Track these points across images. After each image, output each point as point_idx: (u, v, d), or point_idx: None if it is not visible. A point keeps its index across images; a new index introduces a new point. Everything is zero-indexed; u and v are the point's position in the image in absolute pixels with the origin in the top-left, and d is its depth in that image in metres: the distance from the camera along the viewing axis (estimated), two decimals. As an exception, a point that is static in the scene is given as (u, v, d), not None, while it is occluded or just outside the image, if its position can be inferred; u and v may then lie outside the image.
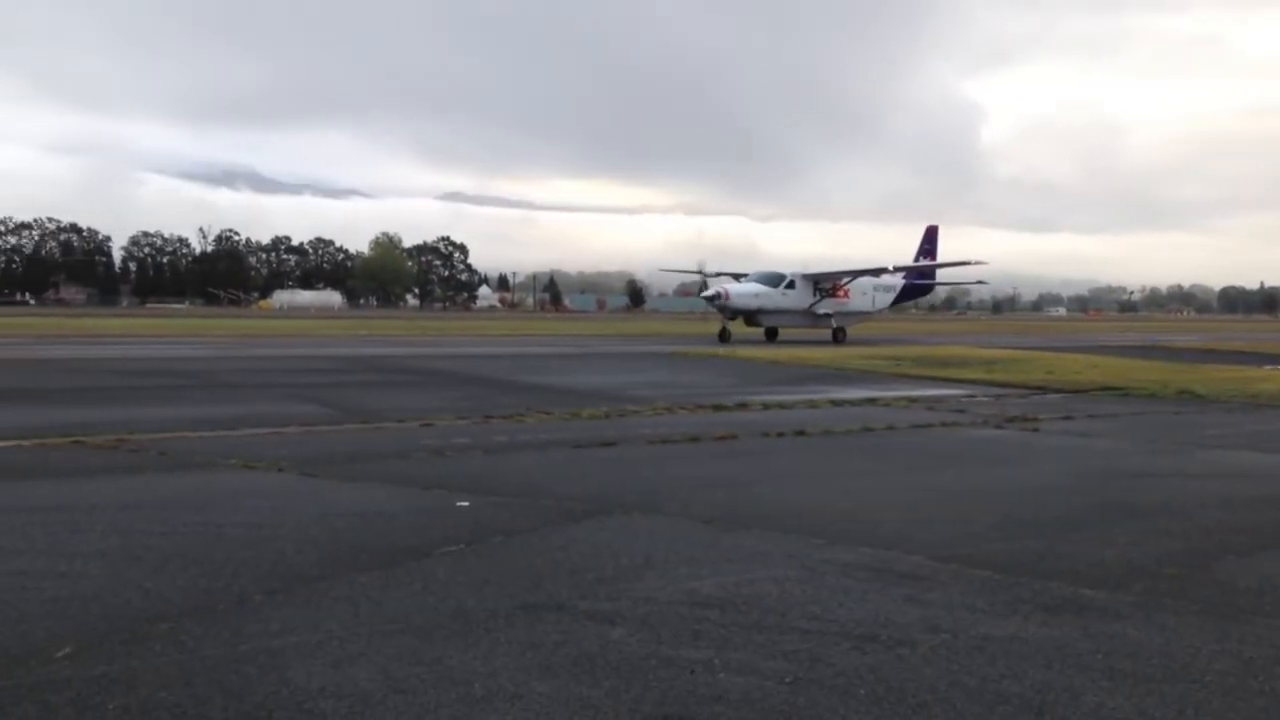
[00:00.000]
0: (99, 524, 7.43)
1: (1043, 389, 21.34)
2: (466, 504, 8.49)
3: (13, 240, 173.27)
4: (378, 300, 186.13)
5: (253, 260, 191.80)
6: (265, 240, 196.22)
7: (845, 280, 47.12)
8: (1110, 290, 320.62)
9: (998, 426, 14.83)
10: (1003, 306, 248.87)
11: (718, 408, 16.53)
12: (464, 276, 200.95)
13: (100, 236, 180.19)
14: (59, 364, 24.48)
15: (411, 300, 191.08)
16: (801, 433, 13.42)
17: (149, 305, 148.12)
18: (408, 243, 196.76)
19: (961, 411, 16.73)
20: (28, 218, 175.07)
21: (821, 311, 45.79)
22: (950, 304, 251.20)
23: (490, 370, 24.97)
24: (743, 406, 16.85)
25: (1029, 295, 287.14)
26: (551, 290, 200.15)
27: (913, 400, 18.45)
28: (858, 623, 5.51)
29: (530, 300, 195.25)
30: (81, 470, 9.78)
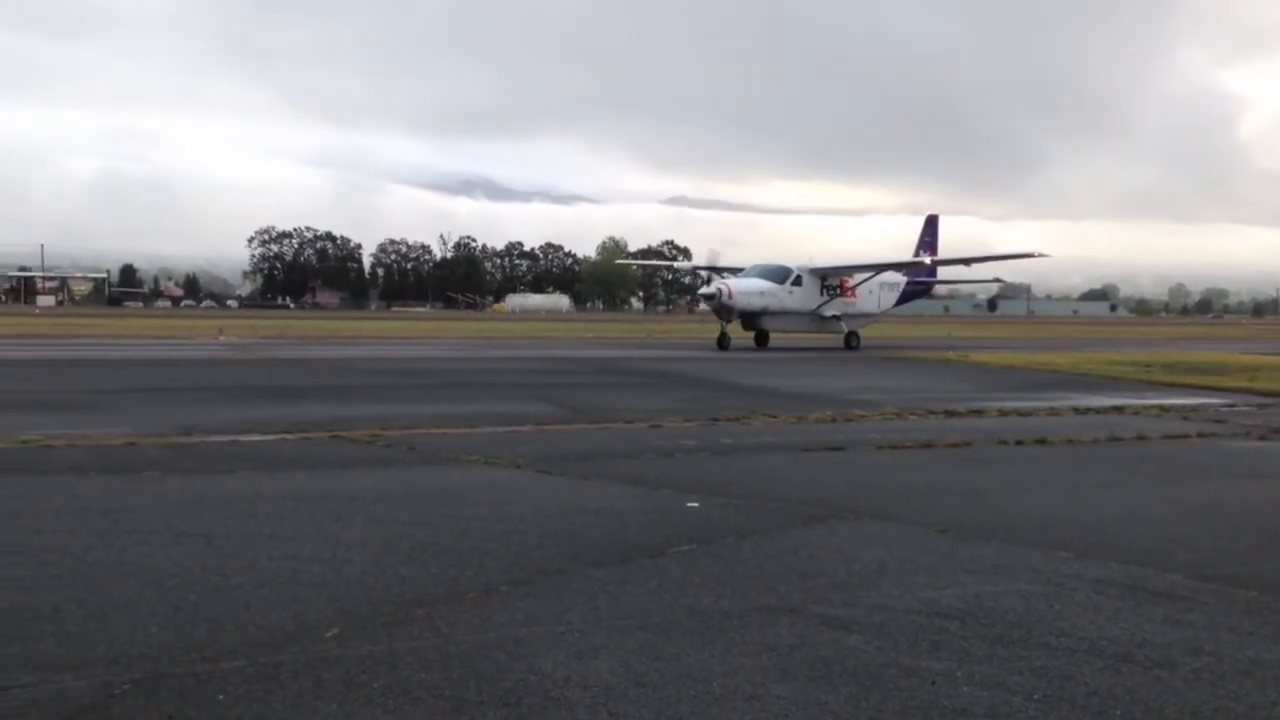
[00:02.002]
0: (359, 513, 7.96)
1: (1314, 398, 19.58)
2: (696, 505, 8.59)
3: (275, 248, 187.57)
4: (603, 303, 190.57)
5: (488, 265, 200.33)
6: (499, 246, 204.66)
7: (864, 276, 41.03)
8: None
9: (1262, 438, 13.72)
10: (1264, 310, 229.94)
11: (950, 413, 16.04)
12: (687, 280, 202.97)
13: (352, 244, 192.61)
14: (319, 363, 26.35)
15: (635, 303, 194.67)
16: (1042, 441, 12.85)
17: (394, 308, 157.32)
18: (632, 246, 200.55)
19: (1220, 422, 15.58)
20: (288, 227, 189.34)
21: (829, 313, 39.93)
22: (1205, 307, 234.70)
23: (714, 372, 25.13)
24: (977, 413, 16.28)
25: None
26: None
27: (1165, 409, 17.32)
28: (1111, 641, 5.24)
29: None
30: (341, 462, 10.50)
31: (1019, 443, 12.71)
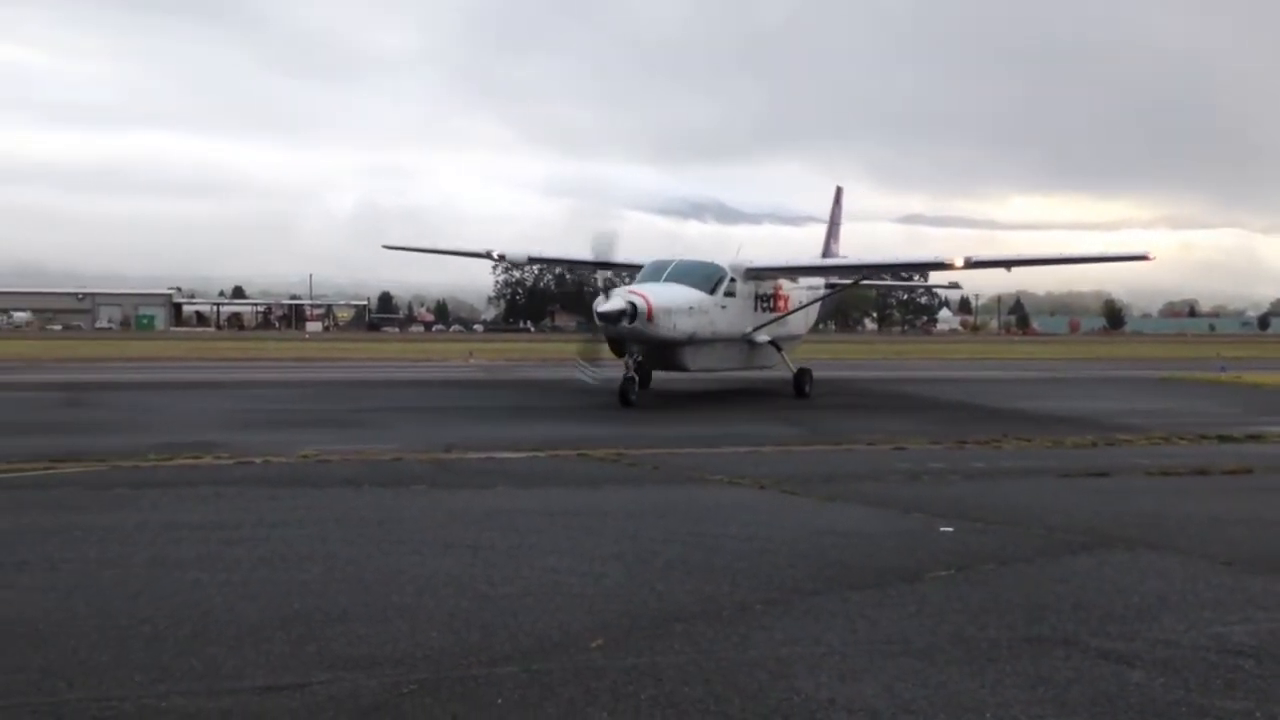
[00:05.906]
0: (611, 529, 8.15)
1: None
2: (950, 529, 8.31)
3: (516, 275, 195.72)
4: (835, 324, 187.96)
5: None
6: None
7: (838, 282, 29.73)
8: None
9: None
10: None
11: (1224, 438, 14.88)
12: (923, 299, 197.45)
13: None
14: (559, 385, 27.23)
15: (870, 324, 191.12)
16: (1335, 469, 11.73)
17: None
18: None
19: None
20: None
21: (761, 340, 25.50)
22: None
23: (956, 394, 24.33)
24: (1256, 438, 15.03)
25: None
26: (1018, 312, 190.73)
27: None
28: None
29: (994, 323, 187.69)
30: (590, 480, 10.79)
31: (1308, 470, 11.65)
